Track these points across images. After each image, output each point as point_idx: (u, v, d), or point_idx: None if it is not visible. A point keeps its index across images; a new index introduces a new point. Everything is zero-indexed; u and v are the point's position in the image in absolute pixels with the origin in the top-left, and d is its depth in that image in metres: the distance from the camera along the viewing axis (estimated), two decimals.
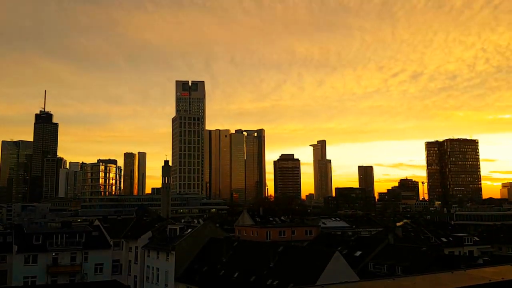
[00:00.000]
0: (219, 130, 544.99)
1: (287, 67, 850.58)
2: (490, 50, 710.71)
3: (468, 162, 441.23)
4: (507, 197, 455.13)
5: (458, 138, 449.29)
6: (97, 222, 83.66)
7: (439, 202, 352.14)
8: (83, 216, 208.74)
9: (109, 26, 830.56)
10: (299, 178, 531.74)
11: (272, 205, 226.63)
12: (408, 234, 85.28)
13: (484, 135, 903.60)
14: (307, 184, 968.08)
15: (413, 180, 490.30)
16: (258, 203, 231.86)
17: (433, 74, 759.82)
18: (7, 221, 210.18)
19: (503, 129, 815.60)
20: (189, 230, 64.00)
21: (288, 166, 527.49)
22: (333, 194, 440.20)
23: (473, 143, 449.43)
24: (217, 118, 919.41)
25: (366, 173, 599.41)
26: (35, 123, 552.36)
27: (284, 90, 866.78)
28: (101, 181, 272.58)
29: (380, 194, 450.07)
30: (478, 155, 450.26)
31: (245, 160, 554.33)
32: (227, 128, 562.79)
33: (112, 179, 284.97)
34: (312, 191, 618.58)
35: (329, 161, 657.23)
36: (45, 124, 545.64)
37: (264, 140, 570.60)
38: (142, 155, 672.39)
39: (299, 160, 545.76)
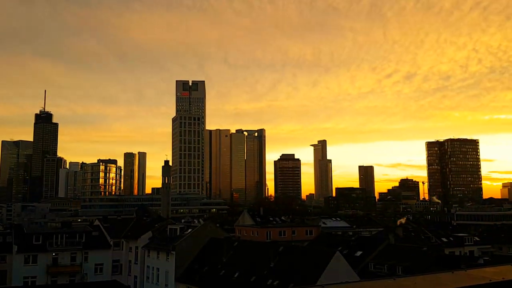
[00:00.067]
0: (220, 130, 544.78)
1: (280, 67, 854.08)
2: (482, 51, 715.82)
3: (469, 162, 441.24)
4: (507, 197, 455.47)
5: (459, 138, 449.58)
6: (97, 222, 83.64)
7: (439, 201, 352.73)
8: (83, 216, 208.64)
9: (110, 28, 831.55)
10: (300, 178, 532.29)
11: (272, 205, 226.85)
12: (408, 234, 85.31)
13: (481, 136, 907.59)
14: (308, 184, 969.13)
15: (413, 180, 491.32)
16: (259, 203, 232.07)
17: (426, 75, 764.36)
18: (7, 221, 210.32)
19: (500, 130, 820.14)
20: (189, 230, 63.98)
21: (288, 166, 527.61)
22: (334, 194, 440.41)
23: (474, 143, 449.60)
24: (213, 118, 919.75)
25: (366, 173, 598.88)
26: (35, 123, 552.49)
27: (279, 91, 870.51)
28: (101, 181, 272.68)
29: (380, 194, 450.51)
30: (479, 155, 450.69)
31: (245, 160, 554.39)
32: (227, 128, 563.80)
33: (112, 179, 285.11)
34: (313, 191, 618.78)
35: (330, 161, 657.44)
36: (45, 124, 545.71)
37: (264, 140, 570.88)
38: (142, 155, 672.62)
39: (300, 160, 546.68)
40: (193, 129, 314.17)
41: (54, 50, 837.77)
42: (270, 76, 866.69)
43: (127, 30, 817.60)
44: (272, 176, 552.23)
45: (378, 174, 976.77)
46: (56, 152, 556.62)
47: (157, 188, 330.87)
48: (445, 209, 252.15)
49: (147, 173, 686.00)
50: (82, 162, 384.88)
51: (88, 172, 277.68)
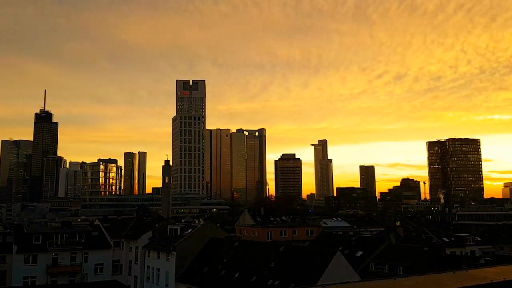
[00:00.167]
0: (220, 129, 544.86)
1: (271, 68, 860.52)
2: (470, 51, 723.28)
3: (470, 162, 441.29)
4: (508, 197, 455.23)
5: (460, 138, 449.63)
6: (97, 222, 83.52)
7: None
8: (83, 216, 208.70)
9: (111, 30, 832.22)
10: (300, 178, 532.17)
11: (273, 205, 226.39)
12: (409, 234, 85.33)
13: (478, 136, 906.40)
14: (308, 184, 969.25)
15: (414, 180, 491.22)
16: (259, 203, 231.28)
17: (417, 76, 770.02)
18: (6, 221, 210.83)
19: (495, 130, 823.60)
20: (190, 230, 63.87)
21: (289, 166, 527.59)
22: (334, 194, 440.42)
23: (475, 143, 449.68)
24: (209, 118, 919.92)
25: (367, 172, 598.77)
26: (35, 123, 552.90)
27: (271, 91, 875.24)
28: (101, 180, 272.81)
29: (381, 194, 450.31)
30: (480, 155, 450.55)
31: (246, 159, 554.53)
32: (226, 128, 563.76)
33: (112, 179, 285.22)
34: (313, 191, 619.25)
35: (330, 160, 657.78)
36: (45, 124, 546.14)
37: (265, 140, 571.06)
38: (143, 155, 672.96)
39: (300, 160, 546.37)
40: (194, 128, 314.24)
41: (54, 52, 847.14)
42: (261, 77, 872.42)
43: (120, 32, 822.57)
44: (273, 176, 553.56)
45: (377, 174, 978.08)
46: (56, 151, 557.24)
47: (158, 188, 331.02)
48: (446, 209, 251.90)
49: (147, 173, 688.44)
50: (82, 162, 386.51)
51: (88, 171, 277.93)
